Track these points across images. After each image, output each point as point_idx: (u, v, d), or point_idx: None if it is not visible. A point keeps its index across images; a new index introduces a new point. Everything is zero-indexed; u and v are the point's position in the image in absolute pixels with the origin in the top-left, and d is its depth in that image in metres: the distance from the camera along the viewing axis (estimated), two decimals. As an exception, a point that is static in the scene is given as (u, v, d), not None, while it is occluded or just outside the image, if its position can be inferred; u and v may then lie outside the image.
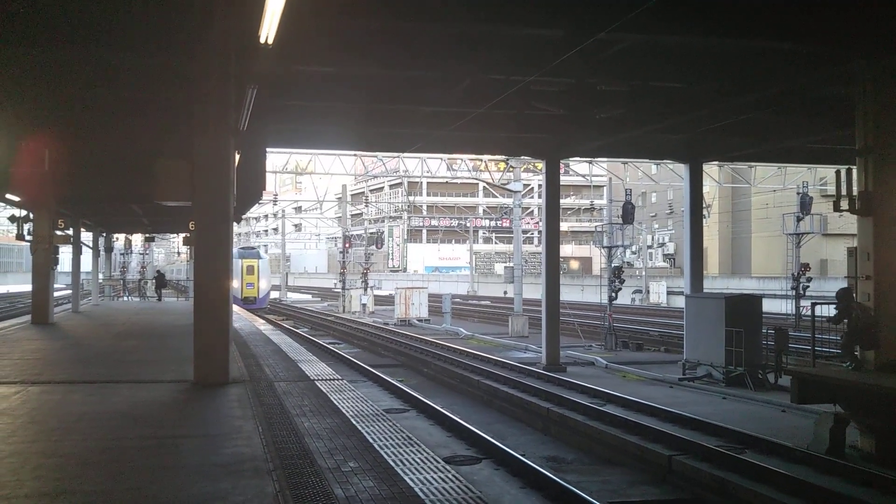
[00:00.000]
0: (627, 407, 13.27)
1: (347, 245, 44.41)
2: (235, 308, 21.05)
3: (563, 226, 46.55)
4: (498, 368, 18.12)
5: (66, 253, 26.46)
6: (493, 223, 79.44)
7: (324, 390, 8.86)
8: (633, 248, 52.51)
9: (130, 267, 47.76)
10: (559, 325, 19.58)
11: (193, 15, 8.52)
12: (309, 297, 63.95)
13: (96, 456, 5.79)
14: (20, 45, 9.60)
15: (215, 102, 8.72)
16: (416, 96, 13.74)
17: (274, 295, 49.67)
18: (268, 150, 16.63)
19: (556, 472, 9.72)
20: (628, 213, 24.54)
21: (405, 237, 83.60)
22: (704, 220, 23.51)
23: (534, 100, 13.56)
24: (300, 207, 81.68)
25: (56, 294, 22.83)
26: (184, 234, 25.57)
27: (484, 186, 76.16)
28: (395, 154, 30.67)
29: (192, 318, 9.13)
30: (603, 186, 49.13)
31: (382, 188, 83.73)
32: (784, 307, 29.19)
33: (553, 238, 19.65)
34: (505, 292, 50.29)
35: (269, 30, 7.08)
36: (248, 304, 38.48)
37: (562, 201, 22.24)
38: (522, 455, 10.21)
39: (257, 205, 33.71)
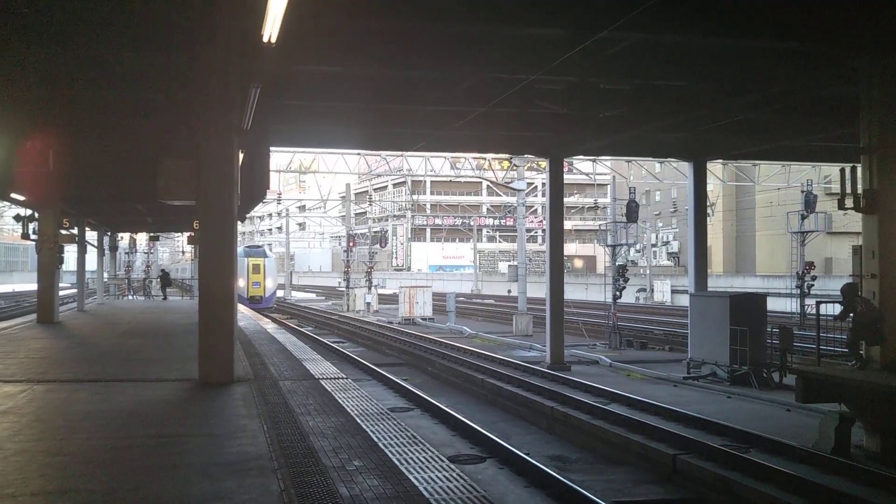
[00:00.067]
0: (632, 406, 13.26)
1: (351, 244, 44.41)
2: (241, 307, 21.08)
3: (567, 224, 46.64)
4: (502, 367, 18.12)
5: (70, 252, 26.50)
6: (496, 222, 79.53)
7: (328, 389, 8.86)
8: (638, 247, 52.52)
9: (135, 266, 47.83)
10: (563, 324, 19.58)
11: (196, 14, 8.53)
12: (313, 295, 64.01)
13: (101, 454, 5.81)
14: (24, 45, 9.64)
15: (218, 102, 8.73)
16: (418, 95, 13.75)
17: (278, 294, 49.61)
18: (271, 149, 16.66)
19: (560, 471, 9.71)
20: (632, 212, 24.50)
21: (409, 236, 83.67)
22: (708, 219, 23.51)
23: (537, 98, 13.56)
24: (304, 206, 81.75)
25: (61, 293, 22.89)
26: (188, 234, 25.58)
27: (487, 185, 76.22)
28: (399, 153, 30.69)
29: (197, 317, 9.15)
30: (607, 185, 49.01)
31: (386, 187, 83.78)
32: (789, 306, 29.12)
33: (557, 236, 19.64)
34: (509, 291, 50.30)
35: (272, 29, 7.08)
36: (255, 303, 37.87)
37: (565, 200, 22.24)
38: (527, 454, 10.21)
39: (261, 204, 33.69)
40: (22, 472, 5.27)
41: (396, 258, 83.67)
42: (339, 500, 4.72)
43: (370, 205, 60.14)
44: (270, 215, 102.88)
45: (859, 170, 10.75)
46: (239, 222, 11.39)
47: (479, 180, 63.06)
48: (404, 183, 74.29)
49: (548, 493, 8.81)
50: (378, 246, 45.85)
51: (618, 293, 24.40)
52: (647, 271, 50.28)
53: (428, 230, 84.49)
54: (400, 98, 13.92)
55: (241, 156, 10.00)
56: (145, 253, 49.08)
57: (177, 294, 48.94)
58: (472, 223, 67.46)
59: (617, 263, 24.95)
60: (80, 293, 25.36)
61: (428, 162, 34.15)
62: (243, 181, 10.24)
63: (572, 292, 31.34)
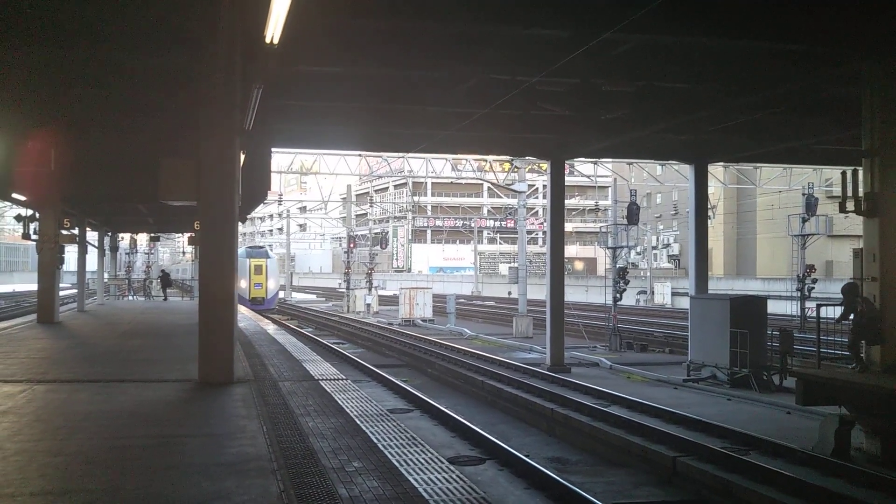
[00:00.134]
0: (632, 408, 13.26)
1: (352, 245, 44.40)
2: (241, 308, 21.04)
3: (568, 226, 46.55)
4: (502, 369, 18.11)
5: (71, 252, 26.51)
6: (497, 223, 79.39)
7: (328, 390, 8.87)
8: (638, 249, 52.50)
9: (135, 266, 47.84)
10: (563, 326, 19.57)
11: (199, 15, 8.54)
12: (313, 296, 64.01)
13: (102, 454, 5.81)
14: (26, 45, 9.64)
15: (221, 102, 8.73)
16: (418, 96, 13.75)
17: (279, 295, 49.53)
18: (273, 150, 16.67)
19: (560, 472, 9.71)
20: (633, 214, 24.49)
21: (410, 237, 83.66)
22: (709, 221, 23.49)
23: (538, 100, 13.56)
24: (305, 207, 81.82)
25: (62, 293, 22.90)
26: (189, 234, 25.58)
27: (489, 187, 76.30)
28: (400, 154, 30.69)
29: (197, 318, 9.15)
30: (608, 187, 48.99)
31: (387, 188, 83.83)
32: (789, 308, 29.10)
33: (558, 238, 19.64)
34: (509, 293, 50.29)
35: (274, 29, 7.09)
36: (257, 304, 37.40)
37: (566, 202, 22.23)
38: (527, 456, 10.20)
39: (262, 205, 33.67)
40: (22, 472, 5.27)
41: (397, 259, 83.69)
42: (338, 501, 4.73)
43: (371, 206, 60.23)
44: (271, 216, 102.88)
45: (860, 173, 10.76)
46: (240, 223, 11.39)
47: (480, 182, 63.12)
48: (405, 184, 74.32)
49: (548, 494, 8.81)
50: (378, 247, 45.86)
51: (618, 295, 24.39)
52: (648, 273, 50.27)
53: (429, 231, 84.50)
54: (400, 98, 13.93)
55: (242, 156, 9.99)
56: (146, 253, 49.06)
57: (177, 295, 48.95)
58: (472, 225, 67.48)
59: (617, 266, 24.94)
60: (81, 293, 25.37)
61: (429, 163, 34.18)
62: (244, 182, 10.25)
63: (573, 294, 31.36)
